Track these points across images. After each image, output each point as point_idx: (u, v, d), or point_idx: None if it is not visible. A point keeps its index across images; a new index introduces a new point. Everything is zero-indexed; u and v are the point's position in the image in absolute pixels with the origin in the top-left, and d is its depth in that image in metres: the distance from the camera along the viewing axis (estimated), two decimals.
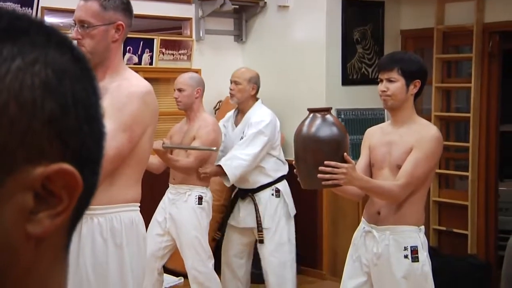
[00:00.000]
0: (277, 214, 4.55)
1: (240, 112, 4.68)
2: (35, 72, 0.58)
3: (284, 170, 4.63)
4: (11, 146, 0.56)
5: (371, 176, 3.10)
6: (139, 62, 5.85)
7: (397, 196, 2.95)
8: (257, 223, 4.50)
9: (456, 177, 6.08)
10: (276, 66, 6.16)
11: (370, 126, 3.39)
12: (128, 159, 2.39)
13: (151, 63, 5.91)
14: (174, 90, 4.50)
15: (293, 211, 4.65)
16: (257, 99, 4.70)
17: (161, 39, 5.96)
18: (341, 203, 5.53)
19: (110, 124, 2.30)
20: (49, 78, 0.59)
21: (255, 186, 4.55)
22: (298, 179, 2.96)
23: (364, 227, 3.13)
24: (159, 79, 5.99)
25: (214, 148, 4.20)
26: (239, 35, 6.41)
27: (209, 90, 6.24)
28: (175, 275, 5.76)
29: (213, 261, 4.55)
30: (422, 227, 3.08)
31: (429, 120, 5.97)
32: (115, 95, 2.38)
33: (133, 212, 2.47)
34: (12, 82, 0.57)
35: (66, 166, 0.58)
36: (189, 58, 6.13)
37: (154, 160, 4.33)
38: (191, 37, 6.15)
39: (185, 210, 4.36)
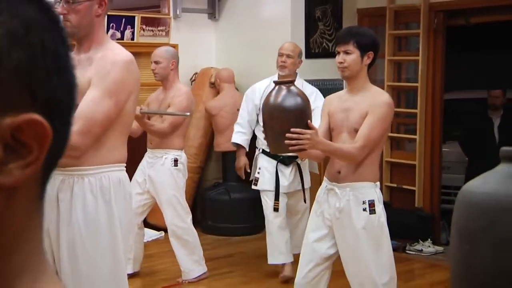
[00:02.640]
0: (308, 175, 4.64)
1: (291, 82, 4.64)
2: (0, 22, 0.53)
3: None
4: None
5: (331, 140, 3.15)
6: (122, 38, 5.83)
7: (356, 157, 3.00)
8: (302, 186, 4.51)
9: (406, 139, 6.21)
10: (247, 42, 6.18)
11: None
12: (115, 123, 2.39)
13: (132, 39, 5.89)
14: (151, 63, 4.52)
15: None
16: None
17: (141, 17, 5.93)
18: None
19: (96, 90, 2.32)
20: (15, 28, 0.53)
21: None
22: (266, 144, 3.01)
23: (326, 185, 3.17)
24: (140, 53, 5.95)
25: (188, 114, 4.22)
26: (213, 13, 6.40)
27: (186, 63, 6.27)
28: (156, 230, 5.81)
29: (190, 216, 4.58)
30: (378, 183, 3.14)
31: (383, 89, 6.08)
32: (100, 64, 2.37)
33: (120, 172, 2.48)
34: None
35: (35, 116, 0.53)
36: (167, 34, 6.12)
37: (132, 125, 4.39)
38: (169, 15, 6.13)
39: (162, 172, 4.39)
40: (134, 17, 5.89)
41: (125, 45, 5.30)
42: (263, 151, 4.51)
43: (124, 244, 2.46)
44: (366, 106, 3.05)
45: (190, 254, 4.50)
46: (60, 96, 0.56)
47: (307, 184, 4.60)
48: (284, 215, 4.52)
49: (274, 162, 4.45)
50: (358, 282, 3.13)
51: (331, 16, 6.14)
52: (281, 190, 4.44)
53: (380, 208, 3.09)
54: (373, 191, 3.09)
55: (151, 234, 5.73)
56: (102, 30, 2.51)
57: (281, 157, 4.35)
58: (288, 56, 4.52)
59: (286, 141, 2.81)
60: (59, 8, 2.40)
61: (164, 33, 6.10)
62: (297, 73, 4.59)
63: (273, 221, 4.50)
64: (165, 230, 5.80)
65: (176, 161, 4.41)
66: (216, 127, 5.92)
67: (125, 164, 2.52)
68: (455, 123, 6.81)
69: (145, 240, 5.55)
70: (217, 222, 5.86)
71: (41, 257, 0.59)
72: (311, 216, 3.29)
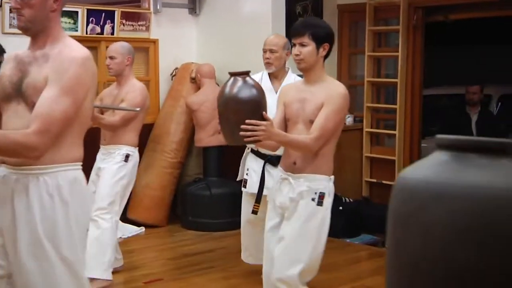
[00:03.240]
0: None
1: (275, 78, 4.19)
2: None
3: None
4: None
5: (286, 130, 3.13)
6: (102, 32, 5.80)
7: (311, 148, 3.00)
8: None
9: (385, 135, 6.26)
10: (227, 37, 6.18)
11: None
12: (73, 121, 2.34)
13: (112, 33, 5.86)
14: (106, 58, 4.43)
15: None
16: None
17: (121, 11, 5.90)
18: None
19: (54, 88, 2.27)
20: None
21: None
22: (222, 135, 3.02)
23: (281, 175, 3.18)
24: None
25: (138, 109, 4.18)
26: (193, 8, 6.39)
27: (166, 58, 6.27)
28: (136, 225, 5.80)
29: (117, 218, 4.36)
30: (332, 177, 3.14)
31: (362, 85, 6.13)
32: (57, 61, 2.31)
33: (76, 171, 2.41)
34: None
35: None
36: (147, 29, 6.10)
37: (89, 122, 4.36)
38: (149, 10, 6.10)
39: (111, 163, 4.32)
40: (114, 11, 5.86)
41: (105, 40, 5.33)
42: (252, 150, 4.24)
43: (81, 244, 2.42)
44: (322, 97, 3.05)
45: (99, 252, 4.17)
46: None
47: None
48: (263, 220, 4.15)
49: (262, 162, 4.14)
50: (286, 268, 3.09)
51: (311, 12, 6.16)
52: (265, 192, 3.99)
53: (328, 202, 3.11)
54: (326, 184, 3.10)
55: (131, 230, 5.72)
56: (58, 25, 2.44)
57: (269, 157, 4.06)
58: (271, 51, 4.17)
59: (241, 133, 2.81)
60: (12, 2, 2.35)
61: (144, 28, 6.08)
62: (288, 68, 4.24)
63: (246, 224, 4.31)
64: (146, 226, 5.82)
65: (127, 156, 4.34)
66: (196, 122, 5.92)
67: (81, 163, 2.46)
68: (434, 119, 6.89)
69: (125, 236, 5.55)
70: (198, 218, 5.87)
71: None
72: (268, 206, 3.32)
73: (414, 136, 5.98)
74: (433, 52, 6.78)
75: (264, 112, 2.88)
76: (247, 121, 2.80)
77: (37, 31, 2.38)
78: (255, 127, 2.81)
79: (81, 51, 2.36)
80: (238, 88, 2.88)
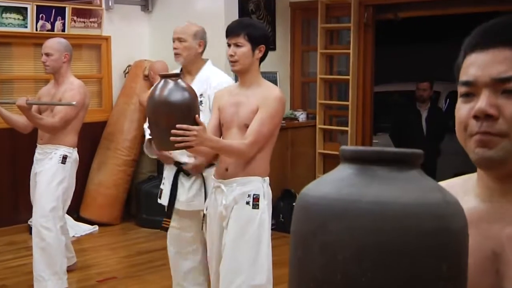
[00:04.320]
0: None
1: (188, 74, 3.61)
2: None
3: None
4: None
5: (221, 136, 3.01)
6: (52, 29, 5.72)
7: (246, 153, 2.89)
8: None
9: (338, 131, 6.36)
10: None
11: None
12: None
13: (63, 30, 5.78)
14: (42, 55, 4.21)
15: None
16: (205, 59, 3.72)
17: (72, 8, 5.83)
18: None
19: None
20: None
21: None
22: (152, 142, 2.85)
23: (213, 184, 3.04)
24: (72, 45, 5.88)
25: (74, 103, 4.02)
26: (146, 5, 6.36)
27: (119, 55, 6.23)
28: (90, 224, 5.75)
29: (62, 223, 4.27)
30: (267, 178, 3.00)
31: (315, 82, 6.21)
32: None
33: None
34: None
35: None
36: (99, 25, 6.04)
37: (22, 119, 4.18)
38: (101, 6, 6.05)
39: (48, 166, 4.16)
40: (65, 8, 5.79)
41: (55, 37, 5.25)
42: None
43: None
44: (257, 101, 2.92)
45: (49, 263, 4.04)
46: None
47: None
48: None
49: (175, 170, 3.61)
50: (229, 280, 2.93)
51: (264, 9, 6.21)
52: (177, 206, 3.59)
53: (264, 203, 2.94)
54: (260, 186, 2.95)
55: (84, 228, 5.67)
56: None
57: (182, 165, 3.55)
58: (179, 39, 3.59)
59: (172, 138, 2.64)
60: None
61: (96, 25, 6.02)
62: (207, 59, 3.70)
63: (169, 247, 3.79)
64: (99, 224, 5.77)
65: (64, 158, 4.17)
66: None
67: None
68: (385, 115, 7.02)
69: (78, 234, 5.51)
70: (152, 215, 5.85)
71: None
72: (208, 222, 3.13)
73: (366, 132, 6.09)
74: (384, 49, 6.91)
75: (196, 116, 2.72)
76: (178, 125, 2.64)
77: None
78: (186, 132, 2.65)
79: None
80: (169, 91, 2.70)
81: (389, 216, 0.73)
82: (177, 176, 3.59)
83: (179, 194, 3.57)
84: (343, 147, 0.82)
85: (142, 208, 5.93)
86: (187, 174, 3.54)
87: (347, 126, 6.00)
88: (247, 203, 2.93)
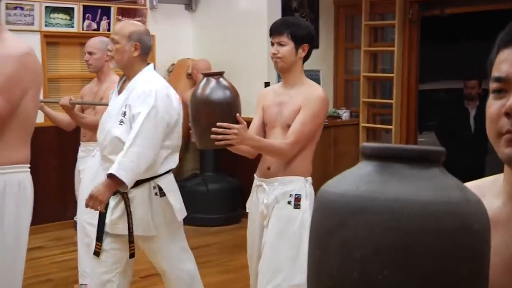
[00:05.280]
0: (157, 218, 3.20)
1: (127, 79, 3.21)
2: None
3: (173, 162, 3.27)
4: None
5: (264, 135, 3.01)
6: (98, 29, 5.83)
7: (287, 153, 2.89)
8: (129, 231, 3.12)
9: (382, 130, 6.29)
10: (223, 33, 6.22)
11: None
12: (11, 121, 2.23)
13: (108, 29, 5.89)
14: (85, 53, 4.31)
15: (181, 213, 3.31)
16: (147, 63, 3.21)
17: (117, 7, 5.94)
18: None
19: None
20: None
21: None
22: (193, 139, 2.89)
23: (256, 183, 3.04)
24: None
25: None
26: (189, 4, 6.42)
27: (163, 54, 6.30)
28: None
29: None
30: (309, 178, 2.99)
31: (358, 80, 6.17)
32: None
33: (20, 174, 2.32)
34: None
35: None
36: (144, 24, 6.12)
37: (65, 118, 4.25)
38: (145, 6, 6.14)
39: (90, 163, 4.19)
40: (110, 7, 5.90)
41: (99, 35, 5.33)
42: None
43: (17, 253, 2.32)
44: (300, 100, 2.92)
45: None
46: None
47: (139, 229, 3.13)
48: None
49: None
50: (268, 279, 2.92)
51: (307, 7, 6.19)
52: (106, 228, 3.18)
53: (306, 203, 2.93)
54: (302, 186, 2.94)
55: None
56: None
57: None
58: (112, 41, 3.16)
59: (212, 136, 2.67)
60: None
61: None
62: (148, 63, 3.21)
63: (96, 272, 3.26)
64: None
65: None
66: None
67: (27, 165, 2.35)
68: (431, 114, 6.92)
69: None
70: (194, 213, 5.90)
71: None
72: (248, 225, 3.14)
73: (411, 130, 6.01)
74: (430, 46, 6.80)
75: (237, 115, 2.72)
76: (218, 124, 2.66)
77: None
78: (227, 130, 2.66)
79: (19, 46, 2.24)
80: (211, 90, 2.75)
81: (408, 214, 0.72)
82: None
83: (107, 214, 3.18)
84: (364, 144, 0.81)
85: (185, 205, 5.97)
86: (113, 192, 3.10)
87: (390, 125, 5.93)
88: (289, 202, 2.93)
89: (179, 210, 3.24)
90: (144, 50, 3.14)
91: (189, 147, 6.26)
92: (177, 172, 6.20)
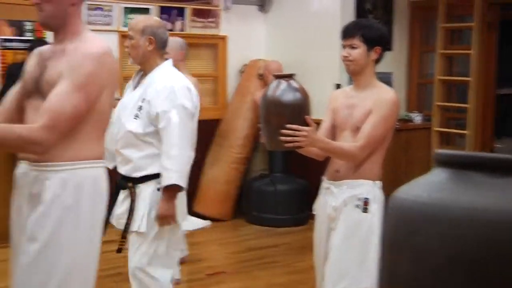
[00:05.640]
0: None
1: (144, 75, 3.21)
2: None
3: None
4: None
5: (334, 137, 3.00)
6: (172, 29, 5.95)
7: (356, 156, 2.86)
8: (126, 226, 3.11)
9: (456, 134, 6.14)
10: (296, 35, 6.23)
11: None
12: (88, 118, 2.28)
13: (182, 30, 6.01)
14: None
15: (182, 215, 3.31)
16: (165, 58, 3.23)
17: (192, 8, 6.04)
18: None
19: (65, 84, 2.21)
20: None
21: (139, 174, 3.13)
22: (262, 140, 2.91)
23: (324, 185, 3.04)
24: (189, 44, 6.09)
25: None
26: (263, 5, 6.46)
27: (235, 55, 6.37)
28: (202, 219, 5.93)
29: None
30: (378, 182, 2.96)
31: (432, 83, 6.04)
32: (72, 56, 2.26)
33: (95, 169, 2.36)
34: None
35: None
36: (217, 25, 6.21)
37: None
38: (219, 7, 6.22)
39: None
40: (184, 8, 6.01)
41: (174, 37, 5.44)
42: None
43: (92, 247, 2.36)
44: (371, 103, 2.89)
45: None
46: None
47: (137, 224, 3.08)
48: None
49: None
50: (335, 282, 2.90)
51: (381, 9, 6.11)
52: (111, 220, 3.19)
53: (374, 207, 2.91)
54: (370, 189, 2.92)
55: (197, 223, 5.84)
56: (78, 20, 2.38)
57: (121, 175, 3.17)
58: (128, 37, 3.17)
59: (281, 137, 2.68)
60: None
61: (214, 25, 6.20)
62: (166, 59, 3.22)
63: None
64: (211, 219, 5.94)
65: None
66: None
67: (102, 161, 2.39)
68: (511, 119, 6.70)
69: (191, 228, 5.69)
70: (262, 213, 5.95)
71: None
72: (315, 228, 3.13)
73: (486, 136, 5.84)
74: (509, 50, 6.58)
75: (307, 117, 2.72)
76: (287, 125, 2.67)
77: (57, 26, 2.34)
78: (296, 132, 2.67)
79: (98, 46, 2.30)
80: (281, 91, 2.75)
81: (483, 223, 0.70)
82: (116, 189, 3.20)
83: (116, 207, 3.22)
84: (438, 150, 0.80)
85: (252, 205, 6.03)
86: (123, 186, 3.17)
87: (465, 129, 5.78)
88: (357, 206, 2.91)
89: (179, 211, 3.16)
90: (160, 44, 3.14)
91: (258, 147, 6.30)
92: (245, 172, 6.26)
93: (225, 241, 5.57)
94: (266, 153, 6.26)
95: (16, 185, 2.42)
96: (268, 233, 5.72)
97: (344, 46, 2.96)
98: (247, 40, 6.43)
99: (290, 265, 4.82)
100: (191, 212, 5.93)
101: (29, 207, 2.33)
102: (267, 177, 6.09)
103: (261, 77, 6.11)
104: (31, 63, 2.44)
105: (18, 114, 2.42)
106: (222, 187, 6.06)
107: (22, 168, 2.39)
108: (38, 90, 2.31)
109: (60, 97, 2.21)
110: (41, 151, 2.21)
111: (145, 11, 5.82)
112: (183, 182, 2.97)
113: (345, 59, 2.93)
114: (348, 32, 2.95)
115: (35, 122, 2.20)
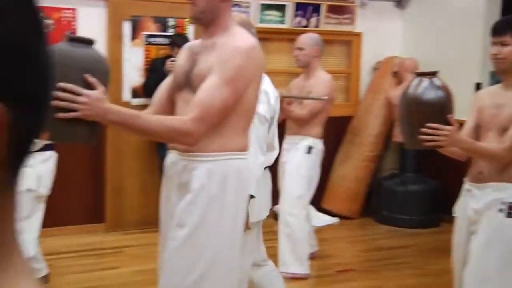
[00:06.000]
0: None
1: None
2: None
3: None
4: None
5: (478, 138, 2.90)
6: (307, 25, 6.00)
7: (501, 158, 2.76)
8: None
9: None
10: (434, 32, 6.06)
11: None
12: (234, 110, 2.35)
13: (317, 26, 6.04)
14: (295, 49, 4.47)
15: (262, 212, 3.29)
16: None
17: (328, 5, 6.06)
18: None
19: (215, 78, 2.30)
20: None
21: None
22: (400, 139, 2.85)
23: (465, 187, 2.96)
24: (324, 41, 6.12)
25: (325, 98, 4.20)
26: (400, 1, 6.35)
27: (369, 51, 6.32)
28: (330, 215, 5.95)
29: (306, 212, 4.41)
30: None
31: None
32: (221, 50, 2.34)
33: (240, 160, 2.42)
34: None
35: None
36: (352, 22, 6.19)
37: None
38: (355, 3, 6.19)
39: (294, 155, 4.37)
40: (320, 5, 6.04)
41: (309, 33, 5.48)
42: None
43: (235, 234, 2.44)
44: None
45: (293, 249, 4.29)
46: (25, 83, 0.53)
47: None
48: None
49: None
50: (468, 284, 2.82)
51: None
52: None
53: None
54: None
55: (325, 219, 5.87)
56: (228, 15, 2.45)
57: None
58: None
59: (421, 136, 2.64)
60: None
61: (348, 21, 6.18)
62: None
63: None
64: (339, 216, 5.94)
65: (310, 148, 4.35)
66: (397, 117, 5.89)
67: (246, 153, 2.46)
68: None
69: (319, 225, 5.73)
70: (392, 213, 5.87)
71: (11, 250, 0.55)
72: (456, 229, 3.05)
73: None
74: None
75: (449, 116, 2.68)
76: (428, 124, 2.63)
77: (208, 21, 2.43)
78: (437, 132, 2.63)
79: (246, 41, 2.37)
80: (423, 89, 2.73)
81: None
82: None
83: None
84: None
85: (382, 204, 5.96)
86: None
87: None
88: (500, 210, 2.80)
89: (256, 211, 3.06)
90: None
91: (390, 146, 6.21)
92: (376, 171, 6.19)
93: (354, 239, 5.55)
94: (398, 152, 6.16)
95: (165, 174, 2.56)
96: (397, 234, 5.64)
97: (493, 44, 2.86)
98: (382, 36, 6.34)
99: (420, 268, 4.72)
100: (319, 208, 5.98)
101: (178, 195, 2.44)
102: (398, 176, 5.99)
103: (396, 74, 6.02)
104: (181, 57, 2.54)
105: (169, 106, 2.55)
106: (351, 184, 6.04)
107: (171, 157, 2.51)
108: (188, 83, 2.42)
109: (210, 90, 2.30)
110: (192, 142, 2.31)
111: (281, 7, 5.91)
112: (253, 189, 2.83)
113: (494, 57, 2.84)
114: (499, 29, 2.86)
115: (186, 114, 2.31)
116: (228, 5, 2.46)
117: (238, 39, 2.38)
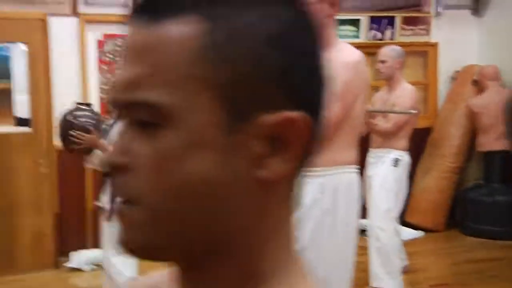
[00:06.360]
0: None
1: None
2: (260, 25, 0.54)
3: None
4: (243, 97, 0.54)
5: None
6: (382, 38, 5.98)
7: None
8: None
9: None
10: None
11: None
12: (343, 124, 2.37)
13: (392, 38, 6.01)
14: (378, 62, 4.49)
15: None
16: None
17: (402, 17, 6.03)
18: None
19: None
20: (275, 31, 0.55)
21: None
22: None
23: None
24: None
25: (414, 111, 4.16)
26: (476, 9, 6.25)
27: (446, 61, 6.25)
28: (414, 229, 5.86)
29: (394, 224, 4.34)
30: None
31: None
32: (330, 66, 2.39)
33: (350, 174, 2.45)
34: (243, 38, 0.54)
35: (295, 114, 0.55)
36: (427, 32, 6.14)
37: (360, 126, 4.42)
38: (430, 13, 6.13)
39: (380, 169, 4.32)
40: (394, 17, 6.01)
41: (385, 45, 5.47)
42: None
43: (346, 244, 2.45)
44: None
45: (384, 263, 4.23)
46: (314, 95, 0.58)
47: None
48: None
49: None
50: None
51: None
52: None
53: None
54: None
55: (410, 233, 5.79)
56: (332, 30, 2.47)
57: None
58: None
59: None
60: None
61: (424, 32, 6.13)
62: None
63: None
64: (423, 229, 5.85)
65: (397, 161, 4.31)
66: (479, 126, 5.79)
67: (355, 166, 2.47)
68: None
69: (404, 238, 5.65)
70: (479, 224, 5.74)
71: (292, 258, 0.59)
72: None
73: None
74: None
75: None
76: None
77: None
78: None
79: (354, 54, 2.39)
80: None
81: None
82: None
83: None
84: None
85: (467, 216, 5.85)
86: None
87: None
88: None
89: None
90: None
91: (472, 156, 6.09)
92: (458, 182, 6.07)
93: (441, 251, 5.47)
94: (482, 162, 6.03)
95: None
96: (485, 246, 5.51)
97: None
98: (459, 46, 6.25)
99: None
100: (403, 221, 5.90)
101: None
102: (483, 187, 5.87)
103: (476, 83, 5.92)
104: None
105: None
106: (434, 196, 5.95)
107: None
108: None
109: None
110: None
111: (356, 22, 5.92)
112: None
113: None
114: None
115: None
116: (333, 20, 2.49)
117: (345, 54, 2.41)
